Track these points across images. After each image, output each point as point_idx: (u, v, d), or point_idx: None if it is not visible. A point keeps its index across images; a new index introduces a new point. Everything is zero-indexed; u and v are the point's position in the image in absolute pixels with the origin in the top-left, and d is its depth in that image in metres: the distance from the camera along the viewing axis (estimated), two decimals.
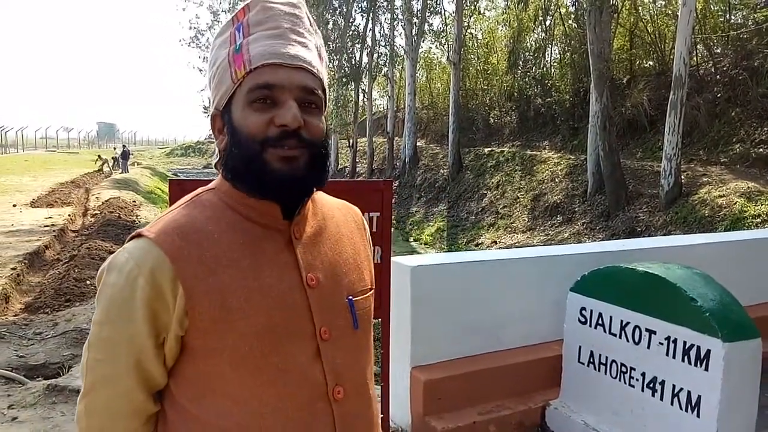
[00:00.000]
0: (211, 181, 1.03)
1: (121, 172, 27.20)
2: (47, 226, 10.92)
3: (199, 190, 0.99)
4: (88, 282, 6.92)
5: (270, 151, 0.88)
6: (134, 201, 16.35)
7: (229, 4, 24.68)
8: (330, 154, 1.05)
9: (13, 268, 7.33)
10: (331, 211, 1.05)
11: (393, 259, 2.72)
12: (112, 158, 29.06)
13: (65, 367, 4.25)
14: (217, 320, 0.87)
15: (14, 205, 13.59)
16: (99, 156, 27.90)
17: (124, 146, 31.05)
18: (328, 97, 0.99)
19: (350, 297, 0.98)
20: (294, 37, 0.92)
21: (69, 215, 12.57)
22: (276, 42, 0.90)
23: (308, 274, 0.94)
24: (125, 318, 0.87)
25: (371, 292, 1.05)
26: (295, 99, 0.89)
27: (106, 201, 15.16)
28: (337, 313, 0.96)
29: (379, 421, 1.08)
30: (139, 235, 0.90)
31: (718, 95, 14.19)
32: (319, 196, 1.04)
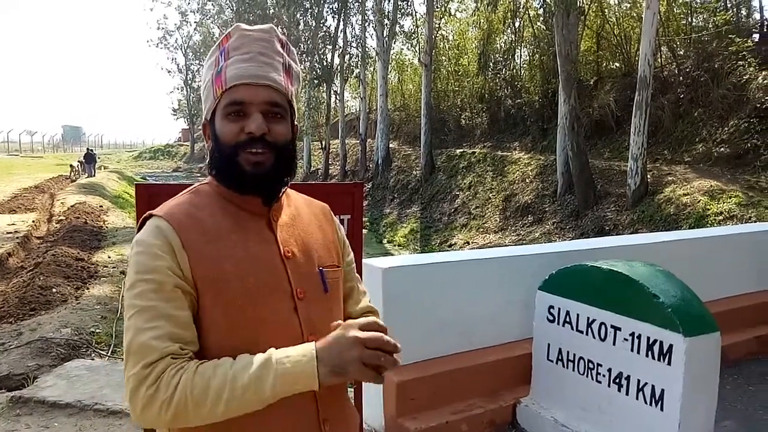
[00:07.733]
0: (181, 185, 1.28)
1: (87, 176, 26.53)
2: (10, 233, 10.59)
3: (198, 183, 1.22)
4: (53, 290, 6.73)
5: (242, 155, 1.09)
6: (101, 206, 15.96)
7: (198, 4, 24.35)
8: (296, 153, 1.23)
9: None
10: (301, 206, 1.28)
11: (364, 261, 2.73)
12: (78, 162, 28.37)
13: (30, 377, 4.14)
14: (215, 280, 1.07)
15: None
16: (71, 165, 27.24)
17: (88, 149, 30.34)
18: (295, 104, 1.20)
19: (321, 268, 1.20)
20: (263, 59, 1.13)
21: (33, 221, 12.20)
22: (247, 65, 1.12)
23: (285, 248, 1.16)
24: (151, 271, 1.04)
25: (339, 269, 1.27)
26: (261, 111, 1.10)
27: (71, 206, 14.74)
28: (310, 279, 1.18)
29: None
30: (151, 216, 1.11)
31: (682, 96, 14.60)
32: (293, 193, 1.28)
